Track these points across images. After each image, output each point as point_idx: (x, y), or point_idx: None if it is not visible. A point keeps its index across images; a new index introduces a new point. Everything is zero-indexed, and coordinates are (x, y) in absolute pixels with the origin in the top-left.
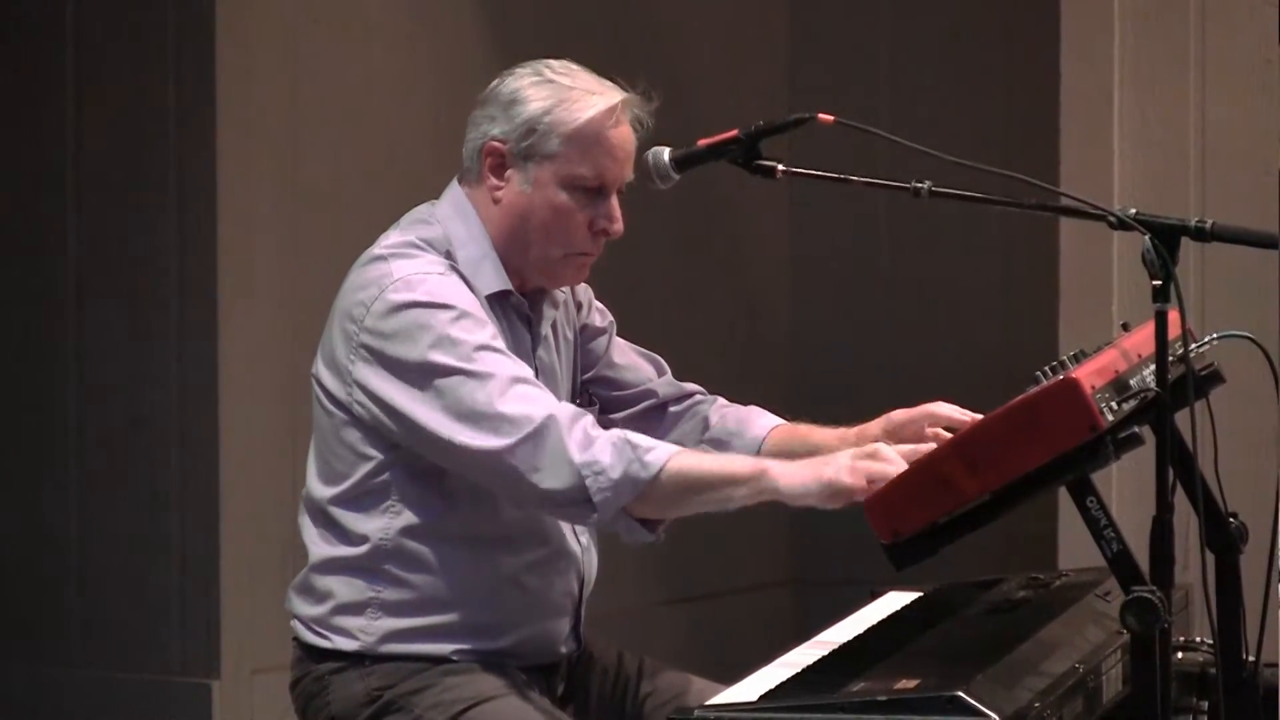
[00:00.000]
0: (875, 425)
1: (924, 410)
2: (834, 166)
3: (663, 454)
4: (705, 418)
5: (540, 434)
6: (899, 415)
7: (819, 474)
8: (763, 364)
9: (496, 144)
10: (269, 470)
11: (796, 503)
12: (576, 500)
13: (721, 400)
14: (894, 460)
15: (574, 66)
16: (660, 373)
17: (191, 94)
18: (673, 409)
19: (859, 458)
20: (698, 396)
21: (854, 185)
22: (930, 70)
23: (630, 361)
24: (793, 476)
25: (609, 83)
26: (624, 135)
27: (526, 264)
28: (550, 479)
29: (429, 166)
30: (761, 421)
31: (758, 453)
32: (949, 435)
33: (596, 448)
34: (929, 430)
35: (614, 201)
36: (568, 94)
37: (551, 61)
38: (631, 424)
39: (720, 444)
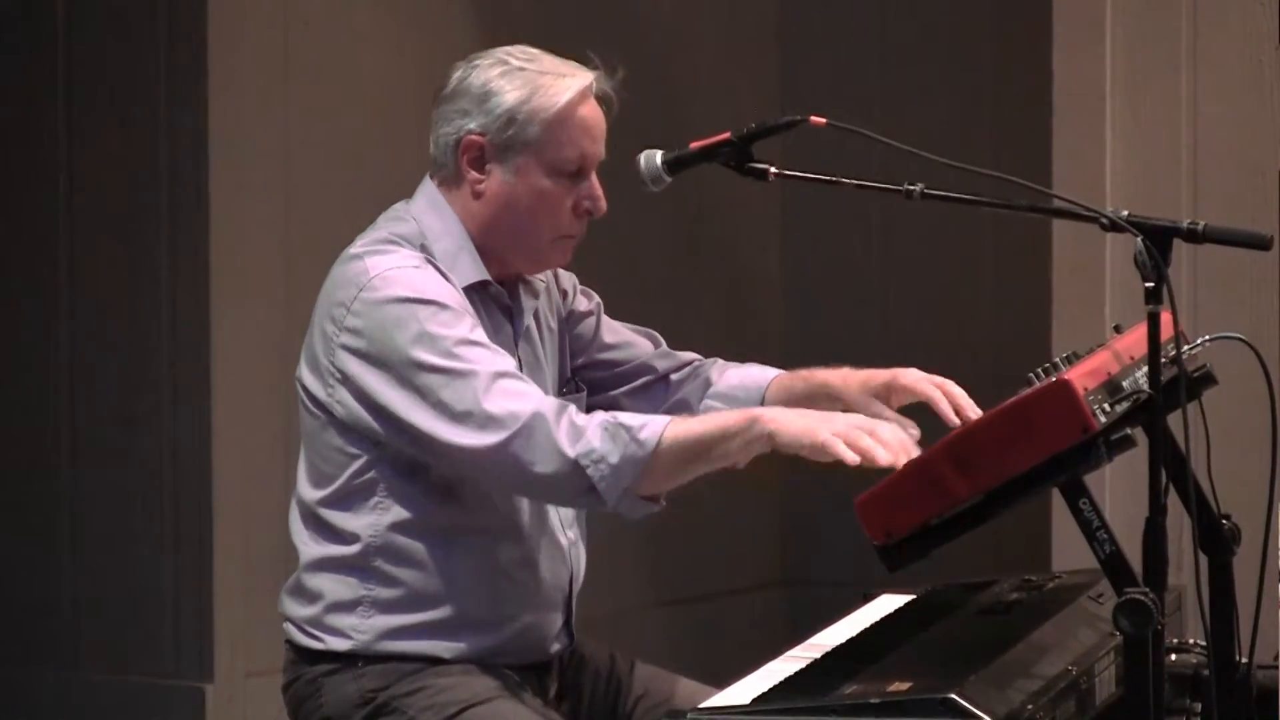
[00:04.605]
0: (883, 376)
1: (926, 396)
2: (826, 168)
3: (656, 428)
4: (707, 377)
5: (528, 430)
6: (907, 380)
7: (815, 428)
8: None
9: (475, 138)
10: (262, 473)
11: (789, 448)
12: (579, 490)
13: (721, 361)
14: (893, 445)
15: (533, 51)
16: (656, 345)
17: (184, 97)
18: (674, 378)
19: (861, 424)
20: (696, 362)
21: (846, 187)
22: (922, 72)
23: (623, 339)
24: (789, 423)
25: (573, 62)
26: (597, 114)
27: (511, 251)
28: (546, 469)
29: (422, 168)
30: (763, 373)
31: (761, 401)
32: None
33: (589, 436)
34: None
35: (594, 180)
36: (540, 80)
37: (510, 49)
38: (634, 398)
39: (724, 399)
